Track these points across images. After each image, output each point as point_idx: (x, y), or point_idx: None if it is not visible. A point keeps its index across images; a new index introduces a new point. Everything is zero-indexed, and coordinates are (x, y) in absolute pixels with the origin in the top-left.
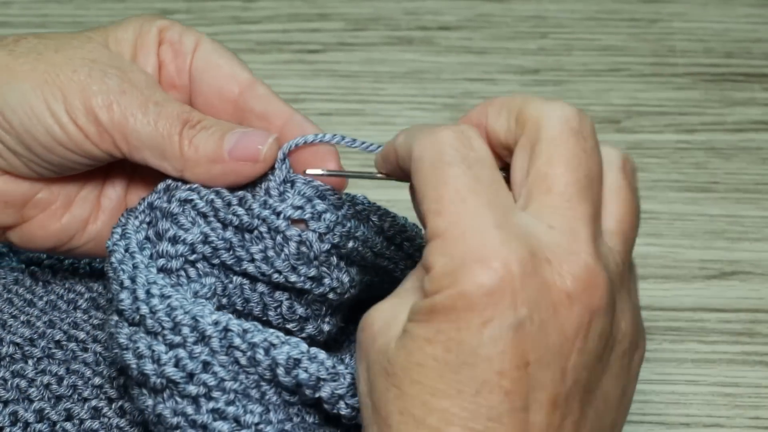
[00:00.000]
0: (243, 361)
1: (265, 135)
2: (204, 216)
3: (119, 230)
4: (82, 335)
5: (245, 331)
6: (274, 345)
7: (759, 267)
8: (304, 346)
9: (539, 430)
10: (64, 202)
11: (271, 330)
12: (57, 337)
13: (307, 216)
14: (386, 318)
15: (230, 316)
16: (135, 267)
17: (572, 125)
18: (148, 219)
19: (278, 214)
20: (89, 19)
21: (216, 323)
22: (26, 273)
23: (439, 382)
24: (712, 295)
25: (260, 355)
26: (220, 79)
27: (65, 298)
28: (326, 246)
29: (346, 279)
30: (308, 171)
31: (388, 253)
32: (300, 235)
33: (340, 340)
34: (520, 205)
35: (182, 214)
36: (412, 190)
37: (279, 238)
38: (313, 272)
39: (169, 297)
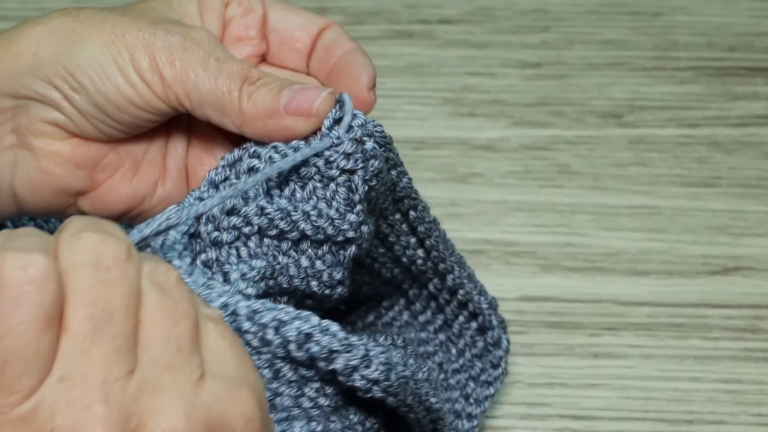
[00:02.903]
0: (255, 342)
1: (319, 90)
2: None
3: (174, 207)
4: None
5: (255, 311)
6: (284, 322)
7: (762, 262)
8: (315, 319)
9: None
10: (132, 164)
11: (281, 306)
12: None
13: (359, 166)
14: None
15: (240, 297)
16: (162, 246)
17: (90, 256)
18: (205, 196)
19: (330, 163)
20: None
21: (225, 306)
22: None
23: None
24: (715, 291)
25: (270, 335)
26: (297, 27)
27: None
28: (367, 187)
29: (372, 228)
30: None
31: (390, 220)
32: (350, 180)
33: None
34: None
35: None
36: None
37: (332, 185)
38: (361, 218)
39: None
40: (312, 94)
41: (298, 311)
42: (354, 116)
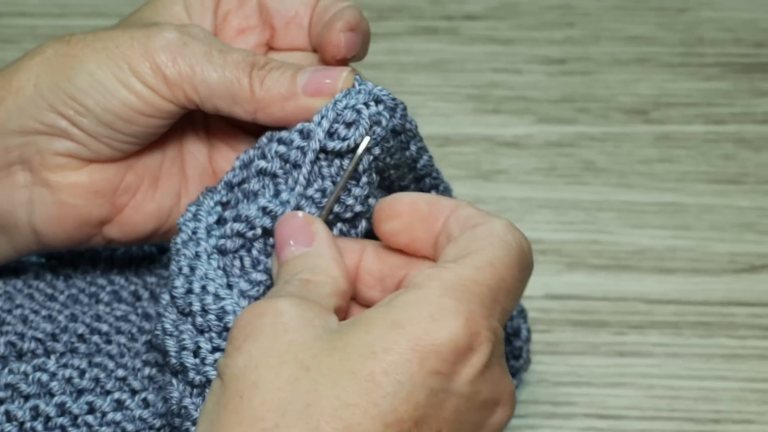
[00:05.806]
0: None
1: (339, 69)
2: (273, 176)
3: (193, 209)
4: (105, 328)
5: None
6: None
7: None
8: None
9: None
10: (151, 180)
11: None
12: (80, 331)
13: (343, 148)
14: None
15: None
16: (197, 255)
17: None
18: (224, 199)
19: (332, 135)
20: (109, 9)
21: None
22: (47, 267)
23: None
24: (741, 289)
25: None
26: (298, 3)
27: (87, 292)
28: (371, 157)
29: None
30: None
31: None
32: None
33: None
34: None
35: (263, 189)
36: None
37: (337, 161)
38: (367, 190)
39: (223, 299)
40: (334, 74)
41: None
42: (361, 83)
